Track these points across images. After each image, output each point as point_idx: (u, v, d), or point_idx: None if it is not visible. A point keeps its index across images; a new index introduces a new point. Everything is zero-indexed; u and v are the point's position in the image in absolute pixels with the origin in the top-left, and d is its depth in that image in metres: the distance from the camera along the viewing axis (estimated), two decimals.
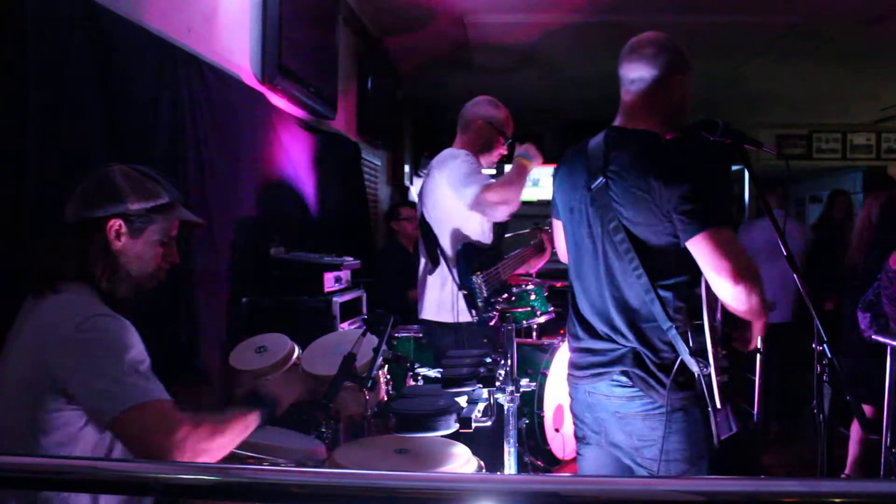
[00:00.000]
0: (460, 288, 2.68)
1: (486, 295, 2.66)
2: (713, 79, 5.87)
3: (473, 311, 2.63)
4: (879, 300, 3.33)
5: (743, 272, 1.53)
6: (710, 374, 1.57)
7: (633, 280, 1.65)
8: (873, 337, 3.11)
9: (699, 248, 1.56)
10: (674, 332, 1.61)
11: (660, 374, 1.64)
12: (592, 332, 1.75)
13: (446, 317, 2.76)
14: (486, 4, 4.28)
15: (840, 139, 8.27)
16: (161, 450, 1.29)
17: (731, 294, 1.54)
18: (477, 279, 2.65)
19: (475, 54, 5.29)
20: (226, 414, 1.47)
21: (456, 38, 4.89)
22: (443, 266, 2.77)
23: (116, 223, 1.44)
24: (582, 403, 1.80)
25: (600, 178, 1.70)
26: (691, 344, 1.59)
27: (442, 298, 2.76)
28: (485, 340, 2.63)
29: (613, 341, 1.70)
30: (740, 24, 4.49)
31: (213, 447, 1.37)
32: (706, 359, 1.58)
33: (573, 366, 1.82)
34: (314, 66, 3.45)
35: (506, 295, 2.70)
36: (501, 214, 2.66)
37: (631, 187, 1.65)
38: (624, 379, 1.66)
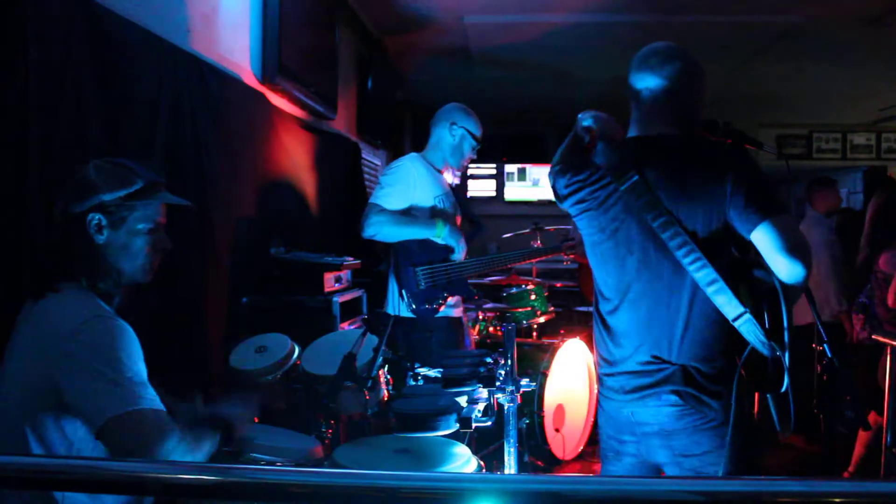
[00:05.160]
0: (397, 281, 2.78)
1: (422, 288, 2.73)
2: (713, 79, 5.85)
3: (413, 305, 2.73)
4: (872, 302, 3.34)
5: (809, 252, 1.58)
6: (783, 358, 1.55)
7: (691, 274, 1.62)
8: (873, 336, 3.11)
9: (768, 235, 1.57)
10: (747, 316, 1.57)
11: (711, 387, 1.63)
12: (635, 353, 1.72)
13: (389, 310, 2.84)
14: (486, 4, 4.28)
15: (840, 139, 8.28)
16: (149, 457, 1.27)
17: (799, 272, 1.56)
18: (414, 271, 2.73)
19: (475, 54, 5.29)
20: (195, 430, 1.40)
21: (456, 38, 4.89)
22: (392, 261, 2.87)
23: (95, 217, 1.42)
24: (623, 423, 1.76)
25: (633, 175, 1.67)
26: (767, 324, 1.57)
27: (391, 293, 2.86)
28: (428, 334, 2.71)
29: (661, 360, 1.67)
30: (740, 24, 4.49)
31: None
32: (781, 342, 1.56)
33: (612, 389, 1.76)
34: (314, 66, 3.45)
35: (446, 296, 2.79)
36: (365, 233, 2.75)
37: (679, 180, 1.65)
38: (674, 397, 1.64)
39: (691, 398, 1.63)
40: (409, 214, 2.80)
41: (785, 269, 1.56)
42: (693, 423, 1.64)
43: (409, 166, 2.85)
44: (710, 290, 1.59)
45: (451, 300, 2.86)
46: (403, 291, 2.75)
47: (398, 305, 2.79)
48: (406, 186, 2.80)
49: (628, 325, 1.74)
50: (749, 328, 1.57)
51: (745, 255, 1.67)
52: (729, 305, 1.58)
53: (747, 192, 1.60)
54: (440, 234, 2.79)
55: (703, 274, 1.59)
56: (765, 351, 1.56)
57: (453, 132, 2.95)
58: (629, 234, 1.71)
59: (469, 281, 3.00)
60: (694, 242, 1.61)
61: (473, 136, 2.97)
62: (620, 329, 1.75)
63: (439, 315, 2.81)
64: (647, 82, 1.75)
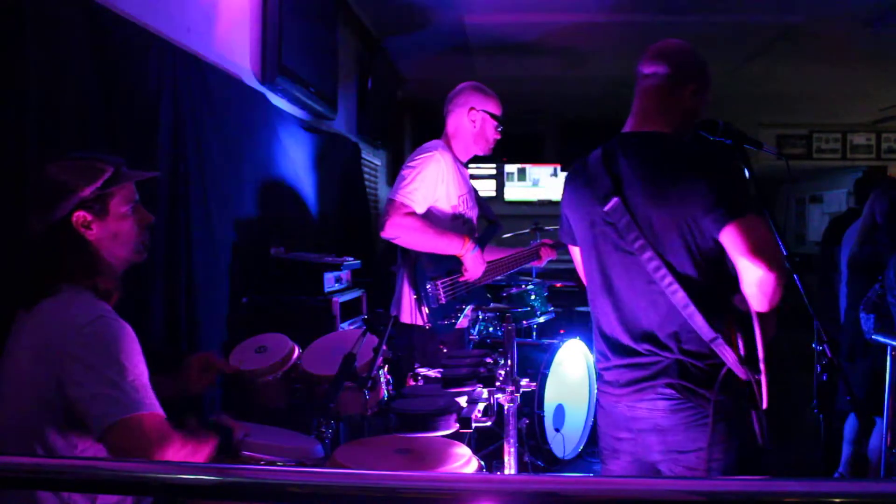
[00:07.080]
0: (416, 294, 2.61)
1: (443, 302, 2.61)
2: (713, 79, 5.86)
3: (431, 323, 2.57)
4: (883, 301, 3.31)
5: (778, 259, 1.53)
6: (759, 380, 1.57)
7: (668, 296, 1.63)
8: (874, 337, 3.10)
9: (733, 237, 1.55)
10: (720, 341, 1.60)
11: (706, 382, 1.63)
12: (629, 350, 1.72)
13: (405, 318, 2.65)
14: (486, 4, 4.28)
15: (840, 139, 8.28)
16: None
17: (763, 280, 1.52)
18: (432, 287, 2.59)
19: (475, 54, 5.29)
20: (199, 435, 1.44)
21: (456, 38, 4.89)
22: (402, 266, 2.69)
23: (80, 215, 1.41)
24: (620, 419, 1.76)
25: (614, 199, 1.69)
26: (741, 351, 1.58)
27: (401, 299, 2.68)
28: (442, 349, 2.53)
29: (656, 354, 1.67)
30: (740, 24, 4.49)
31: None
32: (756, 365, 1.57)
33: (609, 384, 1.78)
34: (314, 66, 3.45)
35: (464, 308, 2.65)
36: (385, 234, 2.52)
37: (652, 198, 1.64)
38: (669, 391, 1.64)
39: (687, 391, 1.63)
40: (429, 215, 2.58)
41: (746, 272, 1.55)
42: (688, 419, 1.63)
43: (439, 159, 2.59)
44: (685, 313, 1.62)
45: (468, 312, 2.71)
46: (423, 309, 2.58)
47: (416, 317, 2.62)
48: (433, 183, 2.56)
49: (613, 322, 1.75)
50: (723, 351, 1.60)
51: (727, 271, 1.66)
52: (703, 328, 1.61)
53: (714, 194, 1.58)
54: (465, 255, 2.60)
55: (678, 297, 1.62)
56: (739, 373, 1.59)
57: (473, 118, 2.69)
58: (614, 240, 1.73)
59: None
60: (671, 266, 1.63)
61: (494, 117, 2.72)
62: (608, 326, 1.77)
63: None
64: (652, 70, 1.76)
